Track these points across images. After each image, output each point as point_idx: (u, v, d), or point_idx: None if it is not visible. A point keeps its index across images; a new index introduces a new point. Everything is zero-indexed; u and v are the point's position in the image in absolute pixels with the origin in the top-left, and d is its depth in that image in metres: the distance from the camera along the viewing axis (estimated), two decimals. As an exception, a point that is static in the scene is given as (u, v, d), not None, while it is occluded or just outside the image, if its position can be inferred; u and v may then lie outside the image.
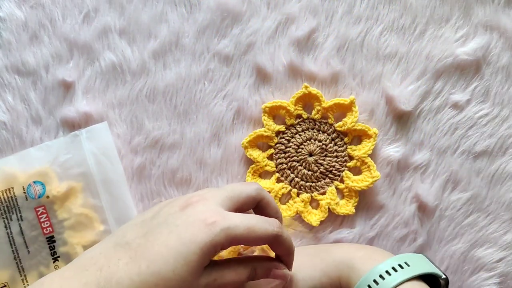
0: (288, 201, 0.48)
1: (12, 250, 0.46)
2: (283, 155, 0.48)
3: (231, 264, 0.33)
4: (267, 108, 0.47)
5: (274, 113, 0.48)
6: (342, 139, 0.48)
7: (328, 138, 0.47)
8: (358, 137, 0.48)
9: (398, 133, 0.48)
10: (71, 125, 0.49)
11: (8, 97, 0.49)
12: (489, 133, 0.47)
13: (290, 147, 0.48)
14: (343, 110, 0.47)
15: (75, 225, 0.46)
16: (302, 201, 0.47)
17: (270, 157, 0.48)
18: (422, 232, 0.47)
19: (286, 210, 0.47)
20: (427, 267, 0.39)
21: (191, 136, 0.49)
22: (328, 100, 0.47)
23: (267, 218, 0.34)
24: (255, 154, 0.48)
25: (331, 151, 0.47)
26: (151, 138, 0.49)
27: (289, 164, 0.48)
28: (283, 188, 0.48)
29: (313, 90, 0.47)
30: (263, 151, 0.48)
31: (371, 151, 0.47)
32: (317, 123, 0.48)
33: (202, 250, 0.30)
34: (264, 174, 0.49)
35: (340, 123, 0.47)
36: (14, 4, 0.49)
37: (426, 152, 0.48)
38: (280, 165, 0.48)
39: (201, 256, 0.30)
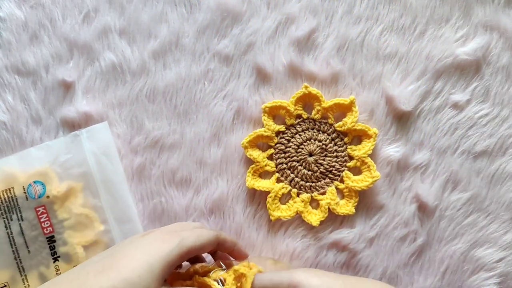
0: (288, 201, 0.48)
1: (13, 250, 0.46)
2: (283, 155, 0.48)
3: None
4: (267, 108, 0.47)
5: (274, 113, 0.48)
6: (342, 139, 0.48)
7: (328, 138, 0.47)
8: (358, 137, 0.48)
9: (398, 133, 0.48)
10: (71, 125, 0.49)
11: (8, 97, 0.49)
12: (489, 133, 0.47)
13: (290, 147, 0.48)
14: (343, 110, 0.47)
15: (75, 225, 0.46)
16: (302, 201, 0.47)
17: (270, 157, 0.48)
18: (422, 232, 0.47)
19: (286, 210, 0.47)
20: None
21: (191, 136, 0.49)
22: (328, 100, 0.47)
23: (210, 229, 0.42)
24: (255, 154, 0.47)
25: (331, 151, 0.47)
26: (151, 138, 0.49)
27: (289, 164, 0.48)
28: (283, 188, 0.48)
29: (313, 90, 0.47)
30: (263, 151, 0.48)
31: (371, 151, 0.47)
32: (317, 123, 0.48)
33: (164, 260, 0.34)
34: (264, 174, 0.49)
35: (340, 123, 0.47)
36: (14, 4, 0.49)
37: (426, 152, 0.48)
38: (280, 165, 0.48)
39: (164, 266, 0.34)
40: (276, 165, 0.48)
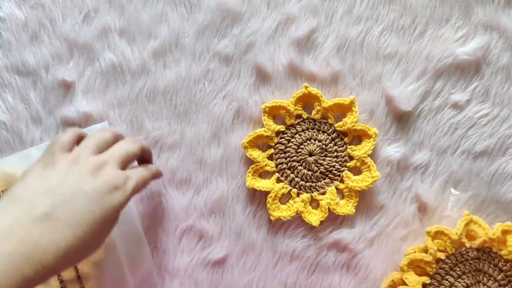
0: (288, 201, 0.48)
1: None
2: (283, 155, 0.48)
3: None
4: (267, 108, 0.47)
5: (274, 113, 0.48)
6: (342, 139, 0.47)
7: (328, 138, 0.47)
8: (358, 137, 0.48)
9: (398, 133, 0.48)
10: (71, 125, 0.49)
11: (8, 97, 0.49)
12: (489, 133, 0.47)
13: (290, 147, 0.48)
14: (343, 110, 0.47)
15: None
16: (302, 201, 0.47)
17: (270, 157, 0.48)
18: (422, 232, 0.47)
19: (286, 210, 0.47)
20: None
21: (191, 136, 0.49)
22: (328, 100, 0.47)
23: (146, 167, 0.42)
24: (255, 154, 0.47)
25: (331, 151, 0.47)
26: (151, 138, 0.49)
27: (289, 164, 0.48)
28: (283, 188, 0.47)
29: (313, 90, 0.47)
30: (263, 151, 0.48)
31: (371, 151, 0.46)
32: (317, 123, 0.48)
33: (118, 211, 0.36)
34: (264, 174, 0.48)
35: (340, 123, 0.47)
36: (14, 4, 0.49)
37: (426, 152, 0.48)
38: (280, 165, 0.48)
39: (117, 216, 0.36)
40: (276, 165, 0.48)
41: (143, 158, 0.43)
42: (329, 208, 0.47)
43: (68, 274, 0.45)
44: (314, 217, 0.47)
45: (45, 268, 0.31)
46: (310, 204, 0.48)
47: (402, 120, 0.48)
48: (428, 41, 0.48)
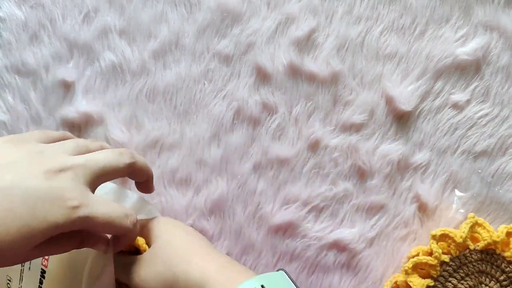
0: None
1: None
2: None
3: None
4: (437, 236, 0.42)
5: (440, 240, 0.42)
6: None
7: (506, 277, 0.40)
8: None
9: (398, 133, 0.48)
10: (71, 125, 0.49)
11: (8, 97, 0.49)
12: (489, 133, 0.47)
13: (450, 282, 0.42)
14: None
15: None
16: None
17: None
18: (422, 232, 0.47)
19: None
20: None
21: (191, 136, 0.49)
22: (496, 231, 0.41)
23: (125, 209, 0.32)
24: (416, 281, 0.41)
25: None
26: (151, 138, 0.49)
27: None
28: None
29: (479, 219, 0.43)
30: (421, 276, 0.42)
31: None
32: (483, 254, 0.42)
33: (49, 230, 0.28)
34: None
35: None
36: (14, 4, 0.49)
37: (426, 152, 0.48)
38: None
39: (46, 234, 0.28)
40: None
41: (137, 179, 0.36)
42: None
43: None
44: None
45: None
46: None
47: (402, 120, 0.48)
48: (428, 41, 0.48)
